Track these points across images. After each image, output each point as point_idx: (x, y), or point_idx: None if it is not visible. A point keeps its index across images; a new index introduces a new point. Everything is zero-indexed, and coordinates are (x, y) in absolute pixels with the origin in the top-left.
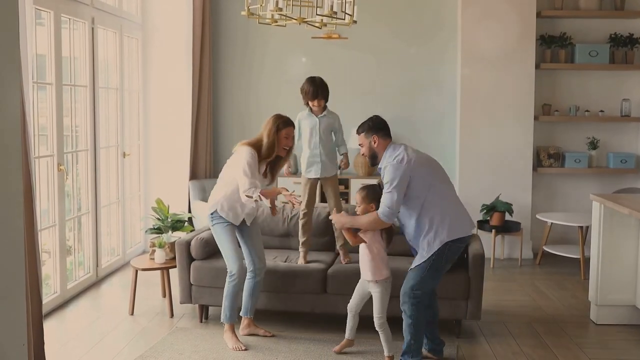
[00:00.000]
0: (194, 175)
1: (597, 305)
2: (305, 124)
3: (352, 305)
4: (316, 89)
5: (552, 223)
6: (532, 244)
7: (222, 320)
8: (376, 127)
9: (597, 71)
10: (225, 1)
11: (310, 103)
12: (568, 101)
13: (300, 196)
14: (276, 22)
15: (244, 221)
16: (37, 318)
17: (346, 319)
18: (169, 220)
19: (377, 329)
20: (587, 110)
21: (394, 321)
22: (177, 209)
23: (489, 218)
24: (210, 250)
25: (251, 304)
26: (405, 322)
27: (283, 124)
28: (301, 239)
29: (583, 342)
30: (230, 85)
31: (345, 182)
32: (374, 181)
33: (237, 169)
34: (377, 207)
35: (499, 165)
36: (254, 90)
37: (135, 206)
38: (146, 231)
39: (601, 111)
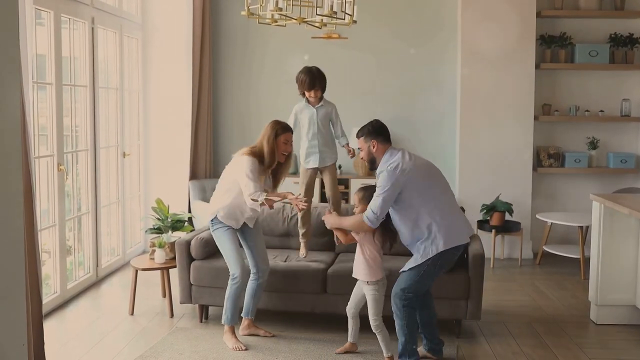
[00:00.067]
0: (194, 175)
1: (597, 305)
2: (303, 115)
3: (350, 307)
4: (313, 79)
5: (552, 223)
6: (532, 244)
7: (223, 322)
8: (376, 131)
9: (597, 71)
10: (225, 1)
11: (306, 93)
12: (568, 101)
13: (305, 198)
14: (276, 22)
15: (245, 224)
16: (37, 318)
17: (346, 319)
18: (169, 220)
19: (373, 330)
20: (587, 110)
21: (391, 321)
22: (177, 209)
23: (489, 218)
24: (210, 250)
25: (253, 305)
26: (398, 324)
27: (281, 129)
28: (301, 231)
29: (583, 342)
30: (230, 85)
31: (345, 182)
32: (373, 181)
33: (240, 173)
34: None
35: (499, 165)
36: (254, 90)
37: (135, 206)
38: (146, 231)
39: (601, 111)
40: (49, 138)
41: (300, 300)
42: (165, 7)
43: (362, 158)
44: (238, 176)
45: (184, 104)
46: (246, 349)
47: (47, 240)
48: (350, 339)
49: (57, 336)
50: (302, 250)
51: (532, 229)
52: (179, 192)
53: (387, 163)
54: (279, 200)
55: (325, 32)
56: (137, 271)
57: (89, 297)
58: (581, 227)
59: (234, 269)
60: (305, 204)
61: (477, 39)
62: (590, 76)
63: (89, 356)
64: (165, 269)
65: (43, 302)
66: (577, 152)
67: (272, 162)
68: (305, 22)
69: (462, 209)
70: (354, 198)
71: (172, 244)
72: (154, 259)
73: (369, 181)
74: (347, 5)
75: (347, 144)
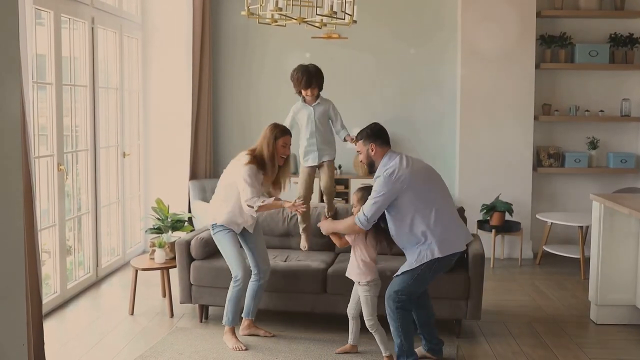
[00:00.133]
0: (194, 175)
1: (597, 305)
2: (301, 115)
3: (350, 308)
4: (309, 77)
5: (552, 223)
6: (532, 244)
7: (223, 323)
8: (374, 135)
9: (597, 71)
10: (225, 1)
11: (303, 92)
12: (568, 101)
13: (302, 201)
14: (276, 22)
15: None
16: (37, 318)
17: (346, 319)
18: (169, 220)
19: (369, 330)
20: (587, 110)
21: (386, 321)
22: (177, 209)
23: (489, 218)
24: (210, 250)
25: (253, 305)
26: (392, 326)
27: (280, 133)
28: (301, 226)
29: (583, 342)
30: (230, 85)
31: (345, 182)
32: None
33: (238, 178)
34: None
35: (499, 165)
36: (254, 90)
37: (135, 206)
38: (146, 231)
39: (601, 111)
40: (49, 138)
41: (300, 300)
42: (165, 7)
43: (361, 161)
44: (237, 180)
45: (184, 104)
46: (246, 349)
47: (47, 240)
48: (350, 340)
49: (57, 336)
50: (303, 243)
51: (532, 229)
52: (179, 192)
53: (384, 168)
54: (274, 208)
55: (325, 32)
56: (137, 271)
57: (89, 297)
58: (581, 227)
59: (236, 271)
60: (304, 207)
61: (477, 39)
62: (590, 76)
63: (89, 356)
64: (165, 269)
65: (43, 302)
66: (577, 152)
67: (272, 166)
68: (305, 22)
69: (462, 209)
70: (352, 198)
71: (172, 244)
72: (154, 259)
73: (369, 181)
74: (347, 5)
75: (348, 135)
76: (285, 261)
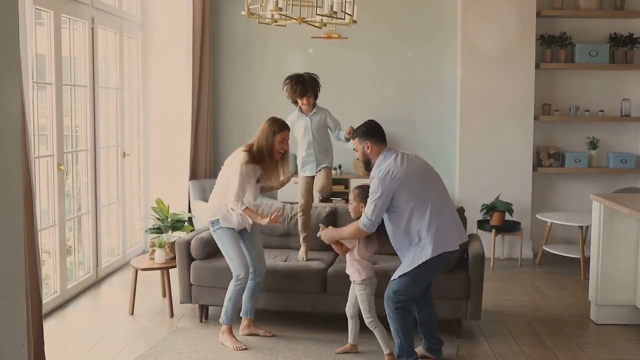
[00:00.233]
0: (194, 175)
1: (597, 305)
2: (297, 125)
3: (349, 307)
4: (305, 86)
5: (552, 223)
6: (532, 244)
7: (221, 322)
8: (370, 132)
9: (597, 71)
10: (225, 1)
11: (299, 101)
12: (568, 101)
13: (284, 210)
14: (276, 22)
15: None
16: (37, 318)
17: (346, 319)
18: (169, 220)
19: (369, 328)
20: (587, 110)
21: (386, 321)
22: (177, 209)
23: (489, 218)
24: (210, 250)
25: (251, 304)
26: (392, 327)
27: (279, 128)
28: (302, 235)
29: (583, 342)
30: (230, 85)
31: (345, 182)
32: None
33: (232, 177)
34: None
35: (499, 165)
36: (254, 90)
37: (135, 206)
38: (146, 231)
39: (601, 111)
40: (49, 138)
41: (300, 300)
42: (165, 7)
43: (357, 159)
44: (230, 177)
45: (184, 104)
46: (246, 348)
47: (47, 240)
48: (350, 340)
49: (57, 336)
50: (302, 254)
51: (532, 229)
52: (179, 192)
53: (379, 168)
54: (254, 219)
55: (325, 32)
56: (137, 271)
57: (89, 297)
58: (581, 227)
59: (238, 270)
60: (282, 217)
61: (477, 39)
62: (590, 76)
63: (89, 356)
64: (165, 269)
65: (43, 302)
66: (577, 152)
67: (271, 161)
68: (305, 22)
69: (462, 209)
70: (349, 195)
71: (172, 244)
72: (154, 259)
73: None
74: (347, 5)
75: (345, 129)
76: (285, 261)
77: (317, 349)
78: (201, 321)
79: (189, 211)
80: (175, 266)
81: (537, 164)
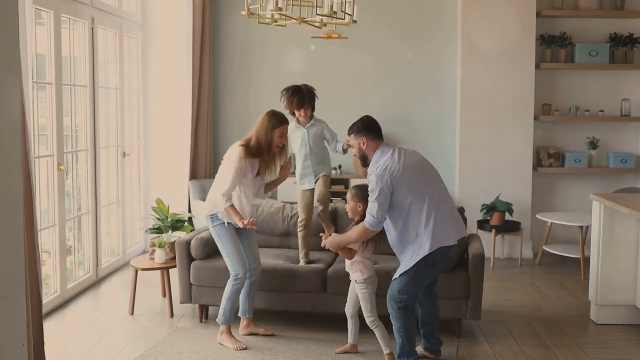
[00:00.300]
0: (194, 175)
1: (597, 305)
2: (294, 137)
3: (348, 307)
4: (302, 98)
5: (552, 223)
6: (532, 244)
7: (220, 322)
8: (365, 128)
9: (597, 71)
10: (225, 1)
11: (296, 112)
12: (568, 101)
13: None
14: (276, 21)
15: None
16: (37, 318)
17: (346, 318)
18: (169, 220)
19: (370, 327)
20: (587, 110)
21: (388, 320)
22: (177, 209)
23: (489, 218)
24: (210, 250)
25: (249, 304)
26: (395, 326)
27: (278, 122)
28: (301, 251)
29: (583, 342)
30: (230, 85)
31: (345, 182)
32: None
33: (225, 170)
34: (364, 207)
35: (499, 165)
36: (254, 90)
37: (135, 206)
38: (146, 231)
39: (601, 111)
40: (49, 138)
41: (300, 300)
42: (165, 7)
43: (354, 155)
44: (224, 171)
45: (184, 104)
46: (246, 348)
47: (47, 240)
48: (350, 340)
49: (57, 336)
50: (302, 263)
51: (532, 229)
52: (179, 192)
53: (377, 164)
54: (234, 218)
55: (325, 32)
56: (137, 271)
57: (89, 297)
58: (581, 227)
59: (237, 270)
60: (255, 223)
61: (477, 39)
62: (590, 76)
63: (89, 356)
64: (165, 269)
65: (43, 302)
66: (577, 152)
67: (269, 154)
68: (305, 22)
69: (462, 209)
70: (347, 195)
71: (172, 244)
72: (154, 258)
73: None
74: (347, 5)
75: (344, 143)
76: (285, 261)
77: (317, 348)
78: (201, 321)
79: (189, 211)
80: (175, 266)
81: (537, 164)
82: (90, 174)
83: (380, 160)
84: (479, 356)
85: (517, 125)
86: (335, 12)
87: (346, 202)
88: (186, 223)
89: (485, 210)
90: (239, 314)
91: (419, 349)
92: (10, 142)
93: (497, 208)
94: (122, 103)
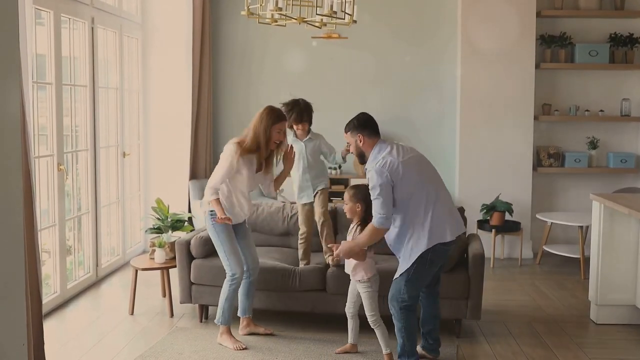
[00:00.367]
0: (194, 175)
1: (597, 305)
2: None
3: (349, 307)
4: (300, 113)
5: (552, 223)
6: (532, 244)
7: (219, 323)
8: (362, 125)
9: (597, 71)
10: (225, 1)
11: (294, 126)
12: (568, 101)
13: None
14: (276, 21)
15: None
16: (37, 318)
17: (346, 318)
18: (169, 220)
19: (371, 326)
20: (587, 110)
21: (389, 320)
22: (177, 209)
23: (489, 218)
24: (210, 249)
25: (248, 303)
26: (396, 326)
27: (277, 118)
28: (302, 262)
29: (583, 342)
30: (230, 85)
31: (345, 182)
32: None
33: (218, 165)
34: (363, 207)
35: (499, 165)
36: (254, 90)
37: (135, 206)
38: (146, 231)
39: (601, 111)
40: (49, 138)
41: (300, 300)
42: (165, 7)
43: (351, 152)
44: (218, 165)
45: (184, 104)
46: (246, 348)
47: (47, 240)
48: (350, 340)
49: (57, 336)
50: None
51: (532, 229)
52: (179, 192)
53: (375, 160)
54: (217, 211)
55: (325, 32)
56: (137, 271)
57: (89, 297)
58: (581, 227)
59: (234, 269)
60: (229, 220)
61: (477, 39)
62: (590, 76)
63: (89, 356)
64: (165, 269)
65: (43, 302)
66: (577, 152)
67: (266, 151)
68: (305, 22)
69: (462, 209)
70: (344, 196)
71: (172, 244)
72: (154, 258)
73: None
74: (347, 5)
75: (343, 152)
76: (285, 261)
77: (317, 348)
78: (201, 321)
79: (189, 211)
80: (175, 266)
81: (537, 163)
82: (90, 174)
83: (379, 157)
84: (479, 356)
85: (517, 125)
86: (335, 12)
87: (344, 202)
88: (186, 223)
89: (485, 210)
90: (239, 314)
91: (418, 348)
92: (10, 142)
93: (497, 208)
94: (122, 103)
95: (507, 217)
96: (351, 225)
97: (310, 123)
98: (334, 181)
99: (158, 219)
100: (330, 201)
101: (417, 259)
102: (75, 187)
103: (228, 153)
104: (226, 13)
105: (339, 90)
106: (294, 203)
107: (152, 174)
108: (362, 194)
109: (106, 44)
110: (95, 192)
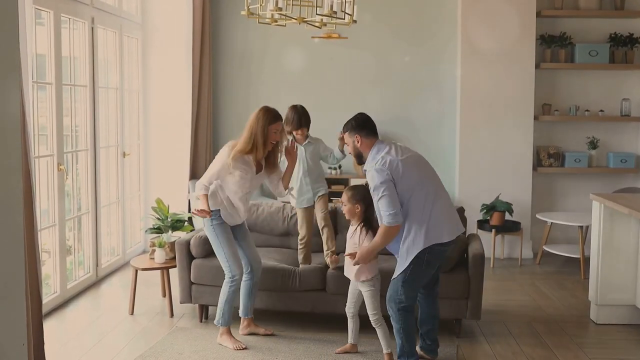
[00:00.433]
0: (194, 175)
1: (597, 305)
2: None
3: (349, 307)
4: (299, 119)
5: (552, 223)
6: (532, 244)
7: (218, 324)
8: (359, 125)
9: (597, 71)
10: (225, 1)
11: (294, 132)
12: (568, 101)
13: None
14: (276, 21)
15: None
16: (37, 318)
17: (346, 318)
18: (169, 220)
19: (373, 325)
20: (587, 110)
21: (388, 320)
22: (177, 209)
23: (489, 218)
24: (210, 249)
25: (250, 304)
26: (395, 327)
27: (273, 118)
28: (302, 265)
29: (583, 342)
30: (230, 85)
31: (344, 182)
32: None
33: (213, 162)
34: (363, 208)
35: (499, 165)
36: (254, 90)
37: (135, 206)
38: (146, 231)
39: (601, 111)
40: (49, 138)
41: (300, 300)
42: (165, 7)
43: (349, 152)
44: (213, 162)
45: (184, 104)
46: (246, 348)
47: (47, 240)
48: (350, 340)
49: (57, 336)
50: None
51: (532, 229)
52: (179, 192)
53: (374, 160)
54: (202, 204)
55: (325, 32)
56: (137, 271)
57: (89, 297)
58: (581, 227)
59: (233, 271)
60: (210, 214)
61: (477, 39)
62: (590, 76)
63: (89, 356)
64: (165, 269)
65: (43, 302)
66: (577, 151)
67: (264, 152)
68: (305, 21)
69: (462, 209)
70: (342, 197)
71: (172, 244)
72: (154, 258)
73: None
74: (347, 5)
75: (337, 148)
76: (285, 261)
77: (317, 348)
78: (201, 321)
79: (189, 211)
80: (175, 266)
81: (537, 163)
82: (90, 174)
83: (378, 157)
84: (479, 356)
85: (517, 125)
86: (335, 12)
87: (342, 204)
88: (186, 223)
89: (485, 210)
90: (240, 314)
91: (417, 348)
92: (10, 142)
93: (497, 208)
94: (122, 103)
95: (507, 217)
96: (351, 227)
97: (308, 128)
98: (333, 181)
99: (158, 219)
100: (330, 201)
101: (413, 259)
102: (75, 187)
103: (222, 153)
104: (226, 13)
105: (339, 90)
106: (285, 202)
107: (152, 174)
108: (361, 195)
109: (106, 44)
110: (95, 192)
